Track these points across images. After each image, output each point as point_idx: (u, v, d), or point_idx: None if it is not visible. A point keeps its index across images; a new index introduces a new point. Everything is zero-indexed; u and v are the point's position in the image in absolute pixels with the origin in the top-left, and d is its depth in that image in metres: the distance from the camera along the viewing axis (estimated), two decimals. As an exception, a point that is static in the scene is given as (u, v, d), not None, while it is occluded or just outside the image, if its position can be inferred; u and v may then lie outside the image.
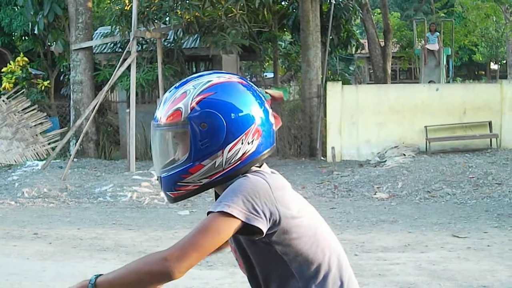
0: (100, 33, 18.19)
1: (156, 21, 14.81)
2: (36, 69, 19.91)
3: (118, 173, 13.05)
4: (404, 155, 13.52)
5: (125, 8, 15.11)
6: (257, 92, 1.98)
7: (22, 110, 15.68)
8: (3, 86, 17.39)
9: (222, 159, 1.90)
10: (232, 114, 1.89)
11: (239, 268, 2.08)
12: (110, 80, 13.73)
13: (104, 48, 17.28)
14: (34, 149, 15.16)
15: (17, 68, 17.54)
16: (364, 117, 14.71)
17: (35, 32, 17.70)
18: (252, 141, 1.91)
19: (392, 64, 23.94)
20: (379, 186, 11.43)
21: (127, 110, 14.02)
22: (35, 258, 7.26)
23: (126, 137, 14.40)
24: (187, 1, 14.60)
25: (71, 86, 16.18)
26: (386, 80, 19.66)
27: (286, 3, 19.50)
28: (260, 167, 1.98)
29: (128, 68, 13.65)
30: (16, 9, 19.45)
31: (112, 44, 16.70)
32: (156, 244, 7.79)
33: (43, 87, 17.80)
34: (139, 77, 14.65)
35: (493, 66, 40.63)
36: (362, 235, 8.24)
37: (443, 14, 30.03)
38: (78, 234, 8.54)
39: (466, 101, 14.57)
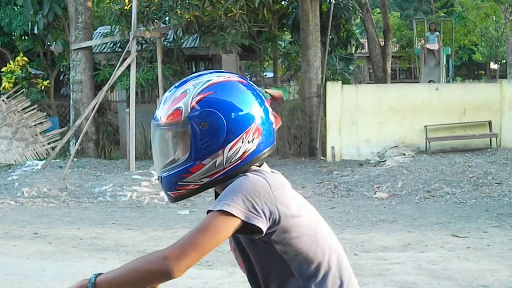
0: (100, 32, 18.19)
1: (155, 20, 14.81)
2: (35, 69, 19.91)
3: (118, 173, 13.05)
4: (404, 154, 13.52)
5: (125, 7, 15.10)
6: (257, 91, 1.98)
7: (22, 109, 15.68)
8: (3, 85, 17.39)
9: (223, 158, 1.90)
10: (232, 113, 1.89)
11: (239, 267, 2.08)
12: (110, 80, 13.73)
13: (104, 48, 17.27)
14: (34, 149, 15.15)
15: (17, 67, 17.54)
16: (364, 117, 14.71)
17: (34, 31, 17.69)
18: (253, 140, 1.92)
19: (392, 64, 23.94)
20: (379, 185, 11.43)
21: (127, 110, 14.02)
22: (35, 257, 7.26)
23: (126, 136, 14.40)
24: (187, 1, 14.59)
25: (71, 86, 16.18)
26: (386, 80, 19.66)
27: (286, 2, 19.50)
28: (260, 166, 1.98)
29: (128, 67, 13.65)
30: (16, 9, 19.45)
31: (112, 44, 16.70)
32: (156, 244, 7.79)
33: (42, 87, 17.80)
34: (139, 76, 14.65)
35: (493, 65, 40.63)
36: (361, 234, 8.24)
37: (443, 14, 30.03)
38: (78, 233, 8.54)
39: (466, 100, 14.57)
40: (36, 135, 15.48)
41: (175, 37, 15.84)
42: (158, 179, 2.04)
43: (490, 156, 13.23)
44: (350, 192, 11.26)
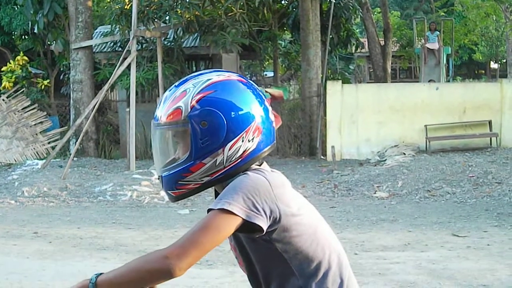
0: (100, 32, 18.18)
1: (156, 20, 14.81)
2: (36, 68, 19.92)
3: (118, 172, 13.05)
4: (404, 154, 13.52)
5: (125, 7, 15.10)
6: (257, 90, 1.98)
7: (22, 109, 15.69)
8: (3, 85, 17.40)
9: (223, 157, 1.90)
10: (232, 112, 1.89)
11: (239, 266, 2.08)
12: (110, 79, 13.73)
13: (104, 47, 17.27)
14: (34, 148, 15.16)
15: (17, 67, 17.55)
16: (364, 116, 14.72)
17: (35, 31, 17.70)
18: (253, 139, 1.92)
19: (392, 63, 23.94)
20: (379, 185, 11.43)
21: (127, 109, 14.02)
22: (35, 257, 7.26)
23: (126, 136, 14.40)
24: (187, 0, 14.59)
25: (71, 85, 16.18)
26: (386, 79, 19.66)
27: (286, 2, 19.50)
28: (260, 165, 1.98)
29: (128, 67, 13.65)
30: (16, 8, 19.46)
31: (112, 43, 16.70)
32: (156, 243, 7.79)
33: (43, 86, 17.81)
34: (139, 76, 14.65)
35: (493, 65, 40.63)
36: (362, 234, 8.24)
37: (443, 13, 30.02)
38: (78, 233, 8.54)
39: (466, 100, 14.57)
40: (36, 134, 15.48)
41: (175, 37, 15.84)
42: (158, 179, 2.04)
43: (490, 156, 13.23)
44: (350, 192, 11.26)
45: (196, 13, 14.60)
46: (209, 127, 1.88)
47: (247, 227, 1.82)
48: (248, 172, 1.90)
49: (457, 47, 29.39)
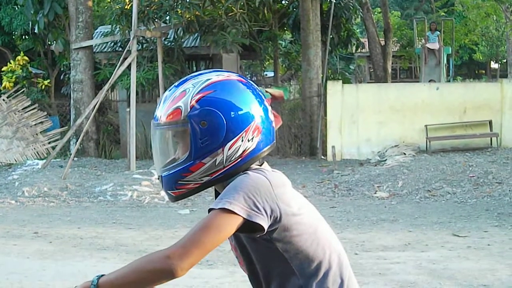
0: (101, 32, 18.19)
1: (156, 20, 14.81)
2: (36, 68, 19.93)
3: (119, 172, 13.05)
4: (405, 154, 13.52)
5: (126, 7, 15.10)
6: (256, 90, 1.98)
7: (23, 109, 15.69)
8: (3, 85, 17.40)
9: (223, 157, 1.90)
10: (232, 112, 1.89)
11: (240, 266, 2.08)
12: (110, 79, 13.73)
13: (105, 47, 17.27)
14: (34, 148, 15.16)
15: (18, 67, 17.55)
16: (364, 116, 14.71)
17: (35, 31, 17.70)
18: (252, 139, 1.92)
19: (392, 63, 23.94)
20: (379, 185, 11.43)
21: (128, 109, 14.02)
22: (35, 257, 7.26)
23: (126, 136, 14.40)
24: (188, 0, 14.59)
25: (71, 85, 16.19)
26: (386, 79, 19.66)
27: (287, 2, 19.50)
28: (261, 165, 1.98)
29: (129, 67, 13.65)
30: (16, 8, 19.47)
31: (113, 43, 16.70)
32: (156, 243, 7.80)
33: (43, 86, 17.81)
34: (140, 76, 14.65)
35: (494, 65, 40.62)
36: (362, 234, 8.24)
37: (444, 13, 30.02)
38: (78, 233, 8.54)
39: (467, 100, 14.57)
40: (37, 134, 15.48)
41: (176, 37, 15.85)
42: (158, 179, 2.04)
43: (491, 156, 13.23)
44: (351, 192, 11.26)
45: (197, 13, 14.60)
46: (209, 127, 1.88)
47: (248, 227, 1.82)
48: (248, 171, 1.90)
49: (458, 47, 29.39)
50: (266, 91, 12.47)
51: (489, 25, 31.08)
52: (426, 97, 14.69)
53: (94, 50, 16.87)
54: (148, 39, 15.63)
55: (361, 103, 14.77)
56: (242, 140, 1.90)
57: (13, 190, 11.70)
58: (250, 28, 15.91)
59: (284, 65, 24.27)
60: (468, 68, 40.09)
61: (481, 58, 34.63)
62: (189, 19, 14.79)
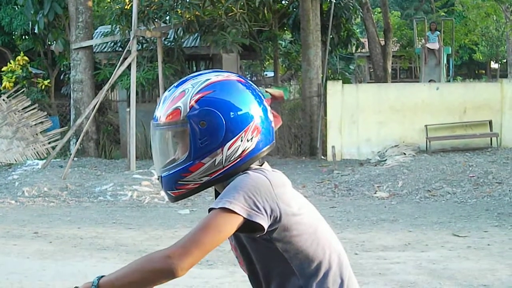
0: (100, 32, 18.19)
1: (156, 20, 14.81)
2: (36, 68, 19.93)
3: (119, 172, 13.05)
4: (405, 154, 13.52)
5: (125, 7, 15.11)
6: (256, 90, 1.98)
7: (23, 109, 15.69)
8: (3, 85, 17.40)
9: (222, 157, 1.90)
10: (231, 112, 1.89)
11: (240, 266, 2.08)
12: (110, 79, 13.73)
13: (105, 47, 17.28)
14: (34, 148, 15.16)
15: (18, 67, 17.55)
16: (364, 116, 14.71)
17: (35, 31, 17.70)
18: (252, 138, 1.92)
19: (392, 63, 23.94)
20: (379, 185, 11.43)
21: (128, 109, 14.02)
22: (35, 257, 7.26)
23: (126, 136, 14.40)
24: (187, 0, 14.59)
25: (71, 85, 16.19)
26: (386, 79, 19.66)
27: (287, 2, 19.50)
28: (261, 165, 1.99)
29: (129, 67, 13.65)
30: (16, 8, 19.47)
31: (113, 43, 16.70)
32: (156, 243, 7.80)
33: (43, 86, 17.81)
34: (139, 76, 14.65)
35: (494, 65, 40.63)
36: (362, 234, 8.24)
37: (444, 13, 30.03)
38: (78, 233, 8.54)
39: (467, 100, 14.57)
40: (37, 134, 15.48)
41: (176, 37, 15.85)
42: (158, 179, 2.04)
43: (491, 156, 13.23)
44: (351, 192, 11.26)
45: (197, 13, 14.60)
46: (208, 127, 1.89)
47: (248, 226, 1.82)
48: (248, 171, 1.90)
49: (458, 47, 29.39)
50: (266, 91, 12.47)
51: (489, 25, 31.09)
52: (426, 97, 14.69)
53: (94, 50, 16.87)
54: (148, 39, 15.63)
55: (361, 103, 14.77)
56: (242, 140, 1.90)
57: (13, 190, 11.70)
58: (250, 28, 15.91)
59: (284, 65, 24.27)
60: (468, 68, 40.10)
61: (481, 58, 34.64)
62: (189, 19, 14.79)
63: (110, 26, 16.22)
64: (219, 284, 6.12)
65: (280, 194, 1.86)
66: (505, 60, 35.09)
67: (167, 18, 14.99)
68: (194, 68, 17.75)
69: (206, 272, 6.43)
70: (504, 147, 14.01)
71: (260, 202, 1.81)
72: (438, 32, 20.24)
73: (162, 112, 1.94)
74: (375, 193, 11.06)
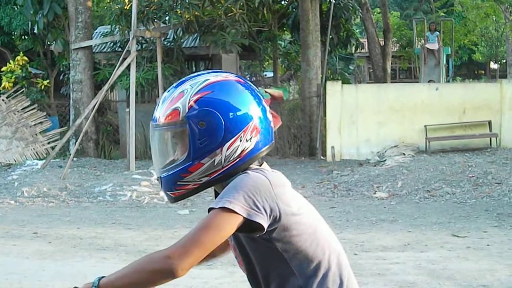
0: (100, 32, 18.18)
1: (155, 20, 14.81)
2: (35, 68, 19.92)
3: (118, 173, 13.05)
4: (404, 154, 13.52)
5: (125, 7, 15.11)
6: (255, 90, 1.98)
7: (22, 109, 15.68)
8: (2, 85, 17.39)
9: (221, 157, 1.90)
10: (230, 112, 1.90)
11: (239, 266, 2.08)
12: (109, 80, 13.73)
13: (104, 47, 17.27)
14: (33, 148, 15.15)
15: (17, 67, 17.55)
16: (363, 117, 14.71)
17: (34, 31, 17.69)
18: (251, 138, 1.92)
19: (391, 64, 23.93)
20: (378, 185, 11.43)
21: (127, 110, 14.02)
22: (34, 257, 7.26)
23: (125, 136, 14.40)
24: (187, 0, 14.59)
25: (71, 85, 16.18)
26: (385, 80, 19.65)
27: (286, 2, 19.50)
28: (260, 166, 1.99)
29: (128, 67, 13.65)
30: (16, 8, 19.46)
31: (112, 44, 16.70)
32: (156, 244, 7.79)
33: (42, 86, 17.80)
34: (139, 76, 14.65)
35: (493, 65, 40.63)
36: (361, 234, 8.24)
37: (443, 14, 30.02)
38: (77, 233, 8.54)
39: (466, 100, 14.57)
40: (36, 134, 15.48)
41: (175, 37, 15.85)
42: (157, 180, 2.05)
43: (490, 156, 13.23)
44: (350, 192, 11.26)
45: (196, 13, 14.60)
46: (207, 128, 1.89)
47: (248, 226, 1.82)
48: (248, 171, 1.91)
49: (457, 47, 29.40)
50: (266, 91, 12.44)
51: (489, 26, 31.10)
52: (425, 97, 14.69)
53: (94, 50, 16.86)
54: (147, 39, 15.63)
55: (361, 104, 14.77)
56: (241, 140, 1.91)
57: (13, 190, 11.70)
58: (250, 28, 15.91)
59: (283, 66, 24.27)
60: (468, 68, 40.10)
61: (480, 58, 34.65)
62: (188, 19, 14.79)
63: (109, 26, 16.22)
64: (218, 284, 6.12)
65: (280, 194, 1.87)
66: (504, 61, 35.09)
67: (167, 18, 15.00)
68: (194, 69, 17.75)
69: (205, 272, 6.42)
70: (503, 148, 14.01)
71: (260, 201, 1.82)
72: (438, 33, 20.24)
73: (161, 112, 1.95)
74: (375, 193, 11.06)
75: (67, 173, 12.46)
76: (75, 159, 14.16)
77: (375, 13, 28.37)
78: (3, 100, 15.70)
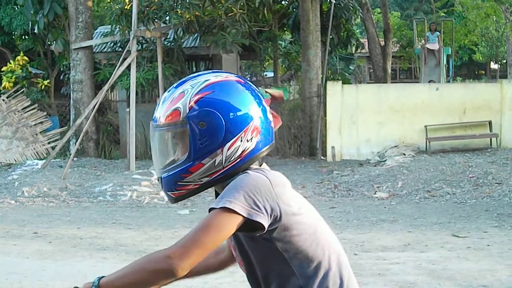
0: (100, 32, 18.19)
1: (156, 20, 14.81)
2: (36, 68, 19.92)
3: (118, 172, 13.05)
4: (404, 154, 13.52)
5: (125, 7, 15.10)
6: (255, 90, 1.98)
7: (22, 109, 15.68)
8: (3, 85, 17.40)
9: (222, 157, 1.90)
10: (231, 112, 1.90)
11: (239, 266, 2.08)
12: (110, 79, 13.73)
13: (104, 47, 17.28)
14: (34, 148, 15.15)
15: (17, 67, 17.55)
16: (364, 117, 14.71)
17: (35, 31, 17.70)
18: (251, 139, 1.92)
19: (392, 64, 23.93)
20: (379, 185, 11.43)
21: (127, 110, 14.02)
22: (35, 257, 7.27)
23: (126, 136, 14.40)
24: (187, 0, 14.59)
25: (71, 85, 16.18)
26: (386, 80, 19.66)
27: (286, 2, 19.49)
28: (260, 166, 1.99)
29: (128, 67, 13.65)
30: (16, 8, 19.47)
31: (112, 43, 16.70)
32: (156, 244, 7.79)
33: (43, 86, 17.81)
34: (139, 76, 14.65)
35: (493, 65, 40.63)
36: (362, 234, 8.24)
37: (443, 14, 30.04)
38: (78, 233, 8.54)
39: (466, 100, 14.57)
40: (36, 134, 15.48)
41: (176, 37, 15.84)
42: (158, 180, 2.05)
43: (490, 156, 13.22)
44: (350, 192, 11.26)
45: (196, 13, 14.60)
46: (208, 128, 1.89)
47: (248, 226, 1.82)
48: (248, 171, 1.91)
49: (457, 47, 29.39)
50: (266, 92, 12.46)
51: (489, 26, 31.09)
52: (425, 97, 14.69)
53: (94, 50, 16.87)
54: (148, 39, 15.63)
55: (361, 104, 14.77)
56: (241, 141, 1.91)
57: (13, 190, 11.70)
58: (250, 28, 15.91)
59: (284, 66, 24.27)
60: (468, 68, 40.10)
61: (481, 58, 34.65)
62: (189, 19, 14.79)
63: (110, 26, 16.22)
64: (218, 284, 6.12)
65: (280, 193, 1.87)
66: (505, 61, 35.10)
67: (167, 18, 14.99)
68: (194, 69, 17.75)
69: (205, 272, 6.42)
70: (503, 148, 14.01)
71: (260, 201, 1.82)
72: (438, 33, 20.24)
73: (161, 113, 1.95)
74: (375, 193, 11.06)
75: (68, 173, 12.46)
76: (75, 159, 14.16)
77: (376, 13, 28.38)
78: (3, 100, 15.71)
